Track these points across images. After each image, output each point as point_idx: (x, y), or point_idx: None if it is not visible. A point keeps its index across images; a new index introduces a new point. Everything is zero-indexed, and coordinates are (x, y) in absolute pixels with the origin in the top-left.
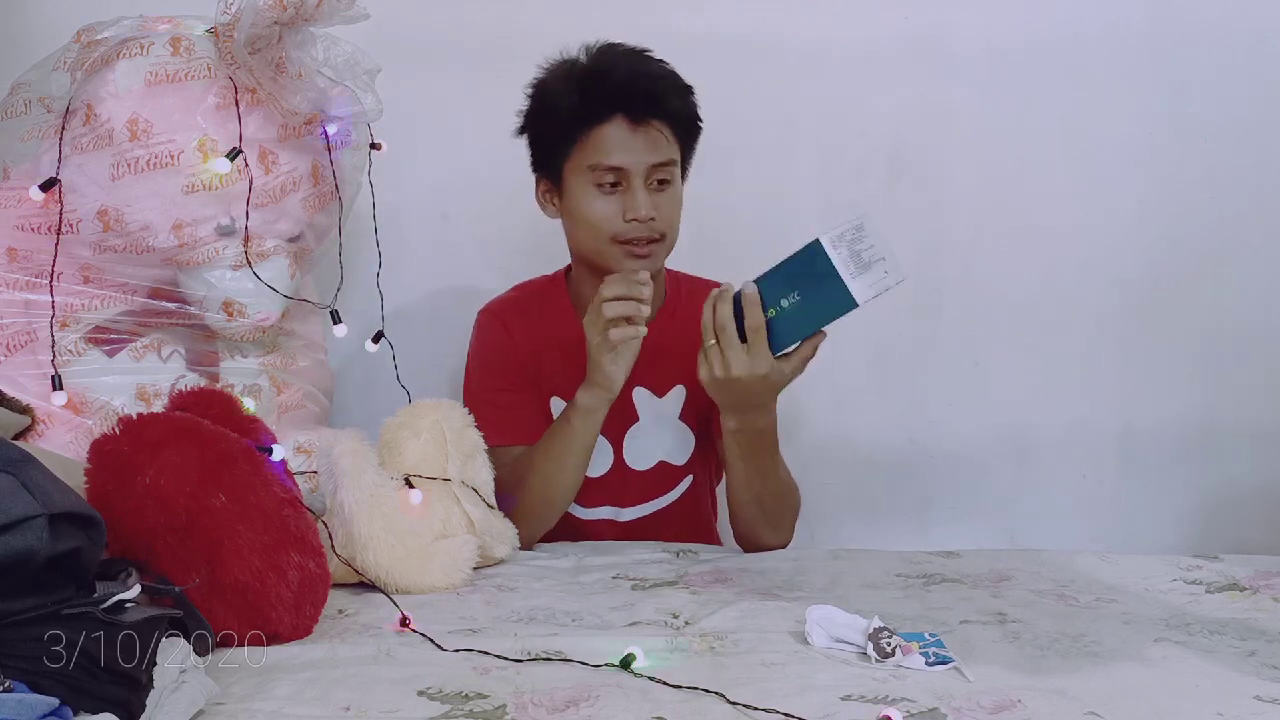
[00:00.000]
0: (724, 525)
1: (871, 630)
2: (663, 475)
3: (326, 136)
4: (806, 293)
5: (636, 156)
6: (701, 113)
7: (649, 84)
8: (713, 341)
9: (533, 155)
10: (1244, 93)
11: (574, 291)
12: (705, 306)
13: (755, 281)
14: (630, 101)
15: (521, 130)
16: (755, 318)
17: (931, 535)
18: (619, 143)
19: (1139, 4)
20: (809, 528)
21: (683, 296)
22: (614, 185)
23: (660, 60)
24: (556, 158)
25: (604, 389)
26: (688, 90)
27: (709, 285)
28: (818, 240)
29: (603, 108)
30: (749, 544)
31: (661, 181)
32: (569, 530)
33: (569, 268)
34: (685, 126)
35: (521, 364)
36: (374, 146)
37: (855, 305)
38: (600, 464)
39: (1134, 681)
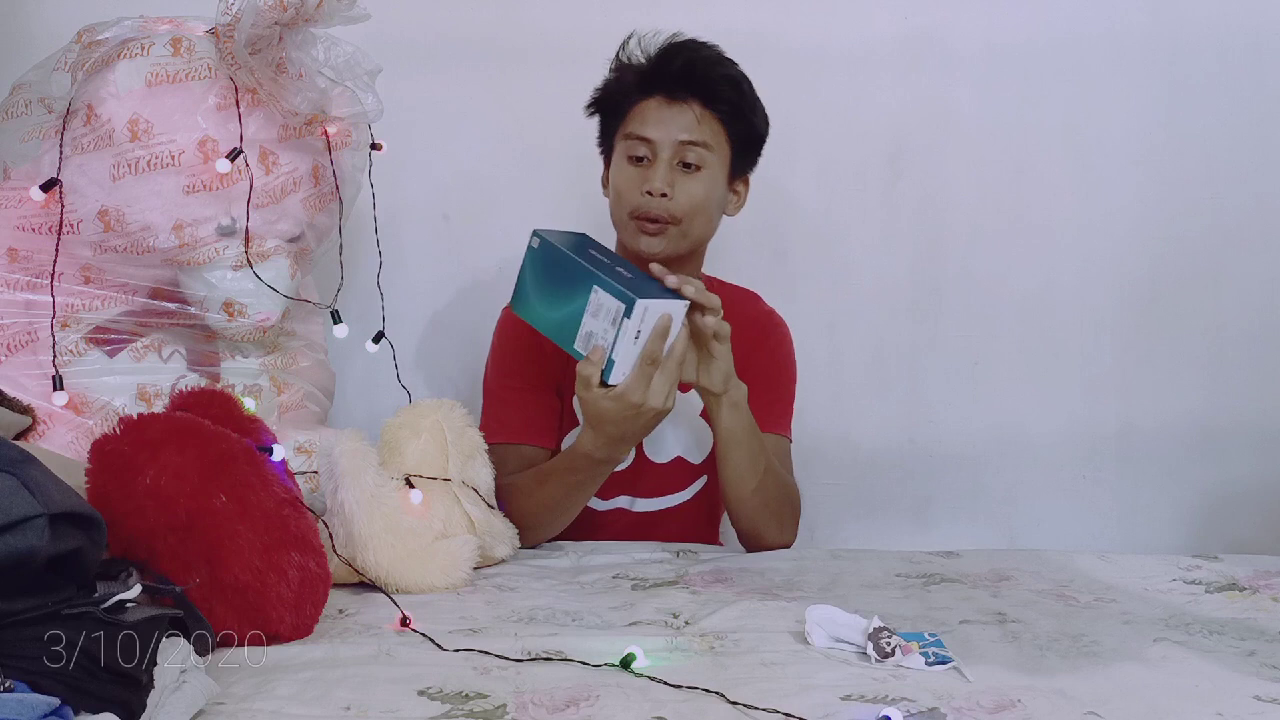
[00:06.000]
0: (725, 526)
1: (871, 630)
2: (679, 472)
3: (326, 136)
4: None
5: (665, 130)
6: None
7: (687, 62)
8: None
9: (599, 134)
10: (1244, 93)
11: None
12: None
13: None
14: (667, 78)
15: (589, 109)
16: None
17: (931, 535)
18: (652, 116)
19: (1139, 4)
20: (809, 528)
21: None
22: (641, 159)
23: (717, 50)
24: (610, 135)
25: (623, 454)
26: (738, 80)
27: (744, 292)
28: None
29: (645, 84)
30: (753, 542)
31: (688, 164)
32: (582, 519)
33: None
34: (731, 115)
35: (543, 363)
36: (374, 146)
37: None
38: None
39: (1134, 681)
